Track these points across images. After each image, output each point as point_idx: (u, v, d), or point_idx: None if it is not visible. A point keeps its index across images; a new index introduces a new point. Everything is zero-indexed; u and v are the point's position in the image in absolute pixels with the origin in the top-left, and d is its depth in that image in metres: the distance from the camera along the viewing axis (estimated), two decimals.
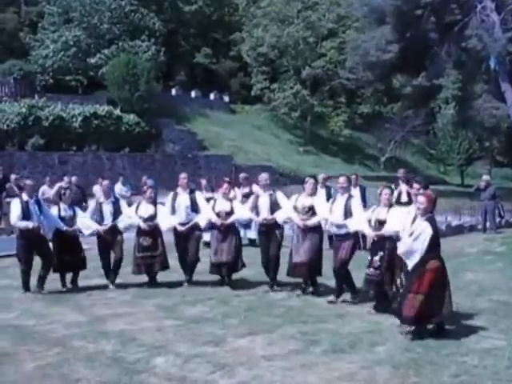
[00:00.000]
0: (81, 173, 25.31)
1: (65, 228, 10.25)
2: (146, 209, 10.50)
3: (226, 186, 10.64)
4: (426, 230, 7.01)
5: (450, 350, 6.55)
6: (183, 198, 10.48)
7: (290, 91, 44.75)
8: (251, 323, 7.74)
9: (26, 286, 9.95)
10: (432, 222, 7.12)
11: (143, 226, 10.35)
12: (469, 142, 44.78)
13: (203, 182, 15.76)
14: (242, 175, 15.72)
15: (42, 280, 10.06)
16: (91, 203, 11.25)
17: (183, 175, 10.80)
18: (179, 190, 10.66)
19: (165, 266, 10.53)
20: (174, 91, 42.65)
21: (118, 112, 31.58)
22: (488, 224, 19.18)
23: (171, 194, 10.85)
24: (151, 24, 41.24)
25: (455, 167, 48.08)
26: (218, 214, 10.14)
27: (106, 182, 11.16)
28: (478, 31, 31.79)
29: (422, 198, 7.26)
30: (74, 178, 19.54)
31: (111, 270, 10.50)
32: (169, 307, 8.83)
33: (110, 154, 29.62)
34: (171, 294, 9.79)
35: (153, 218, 10.43)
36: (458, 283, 10.29)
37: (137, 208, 10.64)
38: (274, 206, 9.71)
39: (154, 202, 10.77)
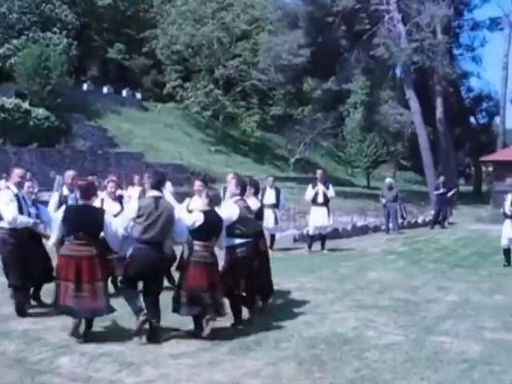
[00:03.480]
0: None
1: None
2: (111, 207, 9.14)
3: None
4: None
5: (352, 345, 6.79)
6: None
7: (202, 90, 44.74)
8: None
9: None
10: None
11: None
12: (375, 145, 46.03)
13: (111, 178, 15.52)
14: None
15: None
16: (54, 196, 9.68)
17: (147, 175, 10.28)
18: (147, 187, 10.02)
19: None
20: (85, 86, 41.81)
21: (26, 105, 30.63)
22: (391, 225, 19.85)
23: (138, 191, 10.45)
24: (63, 16, 40.23)
25: (362, 170, 49.31)
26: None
27: (70, 173, 9.58)
28: (385, 40, 32.91)
29: None
30: None
31: None
32: None
33: (17, 148, 28.72)
34: None
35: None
36: (361, 282, 10.72)
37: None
38: None
39: (119, 198, 9.96)
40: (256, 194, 8.45)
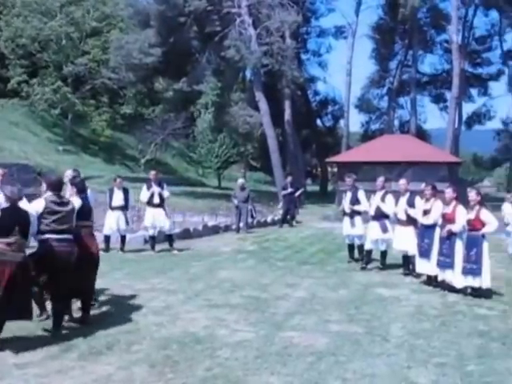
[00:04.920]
0: None
1: None
2: None
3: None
4: None
5: (204, 345, 6.85)
6: None
7: (50, 87, 42.95)
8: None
9: None
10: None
11: None
12: (226, 146, 46.65)
13: None
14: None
15: None
16: None
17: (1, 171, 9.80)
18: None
19: None
20: None
21: None
22: (241, 224, 20.21)
23: None
24: None
25: (213, 170, 49.74)
26: None
27: None
28: (236, 43, 33.42)
29: None
30: None
31: None
32: None
33: None
34: None
35: None
36: (212, 281, 10.84)
37: None
38: None
39: None
40: (80, 192, 8.21)
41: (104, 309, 8.55)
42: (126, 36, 37.24)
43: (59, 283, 7.24)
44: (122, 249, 14.56)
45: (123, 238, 14.69)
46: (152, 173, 15.31)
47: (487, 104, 57.87)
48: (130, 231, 15.47)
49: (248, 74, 44.51)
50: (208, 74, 36.97)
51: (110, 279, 10.33)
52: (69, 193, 8.13)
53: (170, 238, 15.03)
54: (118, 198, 14.52)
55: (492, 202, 23.43)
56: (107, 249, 14.24)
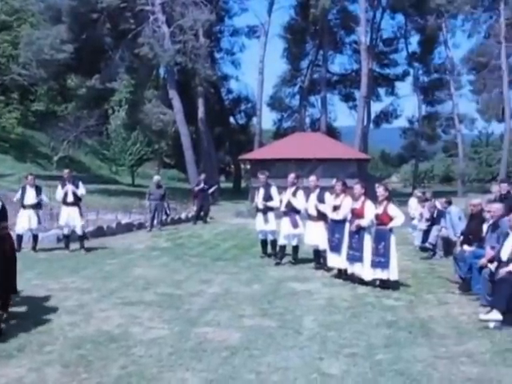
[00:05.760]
0: None
1: None
2: None
3: None
4: None
5: (118, 343, 6.84)
6: None
7: None
8: None
9: None
10: None
11: None
12: (140, 144, 46.26)
13: None
14: None
15: None
16: None
17: None
18: None
19: None
20: None
21: None
22: (155, 222, 20.14)
23: None
24: None
25: (127, 168, 49.21)
26: None
27: None
28: (149, 40, 33.24)
29: None
30: None
31: None
32: None
33: None
34: None
35: None
36: (127, 278, 10.81)
37: None
38: None
39: None
40: None
41: (15, 310, 8.36)
42: (36, 31, 36.17)
43: None
44: (34, 248, 14.27)
45: (35, 237, 14.41)
46: (65, 171, 15.04)
47: (394, 103, 60.01)
48: (43, 230, 15.15)
49: (162, 71, 44.33)
50: (121, 72, 36.57)
51: (21, 279, 10.05)
52: None
53: (80, 238, 14.77)
54: (31, 197, 14.22)
55: (399, 198, 24.39)
56: (19, 248, 13.90)
